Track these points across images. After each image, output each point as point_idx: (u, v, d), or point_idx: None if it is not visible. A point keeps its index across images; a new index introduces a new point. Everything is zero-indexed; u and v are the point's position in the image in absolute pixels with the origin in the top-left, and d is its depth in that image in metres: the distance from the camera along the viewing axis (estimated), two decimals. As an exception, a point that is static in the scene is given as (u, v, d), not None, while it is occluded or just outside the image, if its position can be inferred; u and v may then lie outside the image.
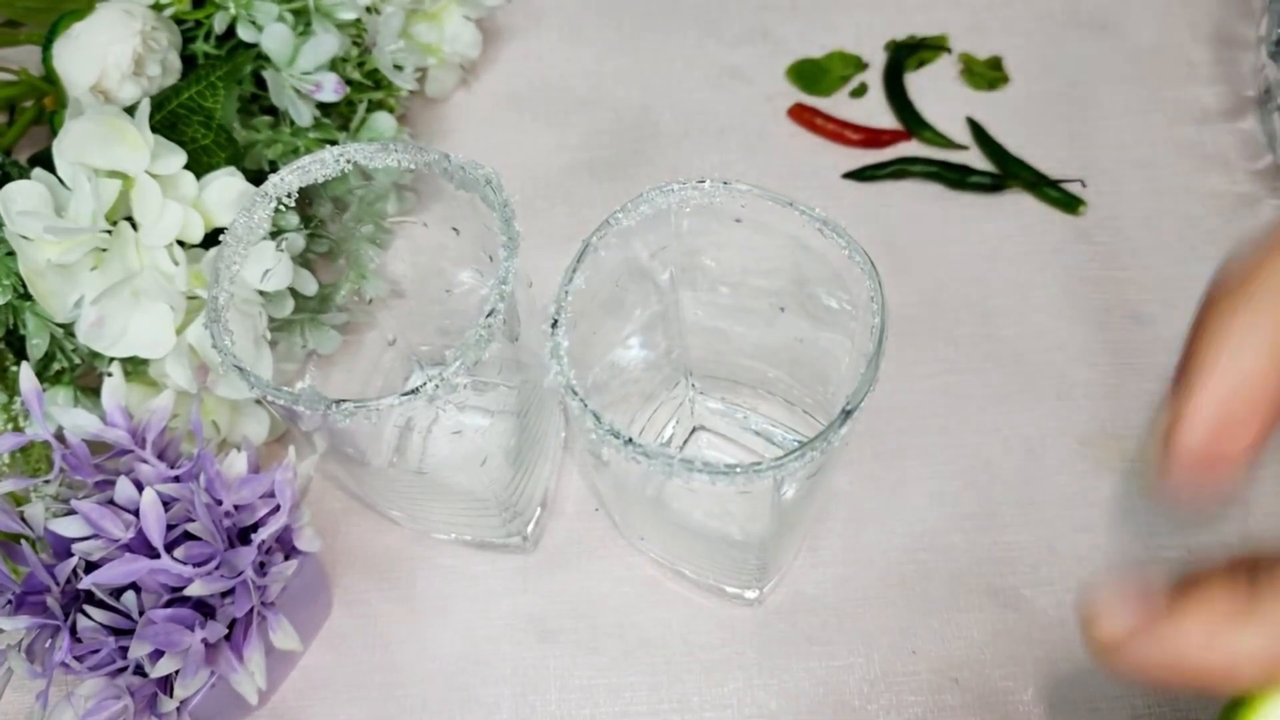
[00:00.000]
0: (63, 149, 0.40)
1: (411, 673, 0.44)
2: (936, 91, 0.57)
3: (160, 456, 0.39)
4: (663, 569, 0.45)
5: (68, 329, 0.42)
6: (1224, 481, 0.26)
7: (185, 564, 0.35)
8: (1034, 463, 0.47)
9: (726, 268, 0.39)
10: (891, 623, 0.44)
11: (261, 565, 0.38)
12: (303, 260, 0.43)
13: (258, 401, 0.45)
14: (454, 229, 0.41)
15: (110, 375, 0.39)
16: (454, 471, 0.40)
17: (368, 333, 0.48)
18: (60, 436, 0.38)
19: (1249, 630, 0.24)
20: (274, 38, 0.47)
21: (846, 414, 0.31)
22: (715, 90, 0.58)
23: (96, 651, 0.36)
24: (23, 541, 0.36)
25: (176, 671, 0.36)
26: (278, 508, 0.38)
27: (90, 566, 0.36)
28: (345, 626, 0.45)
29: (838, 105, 0.57)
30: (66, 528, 0.36)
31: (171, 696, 0.36)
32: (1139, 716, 0.42)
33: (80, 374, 0.44)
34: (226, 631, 0.37)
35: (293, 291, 0.42)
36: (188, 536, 0.37)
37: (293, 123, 0.49)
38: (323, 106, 0.50)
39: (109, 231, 0.40)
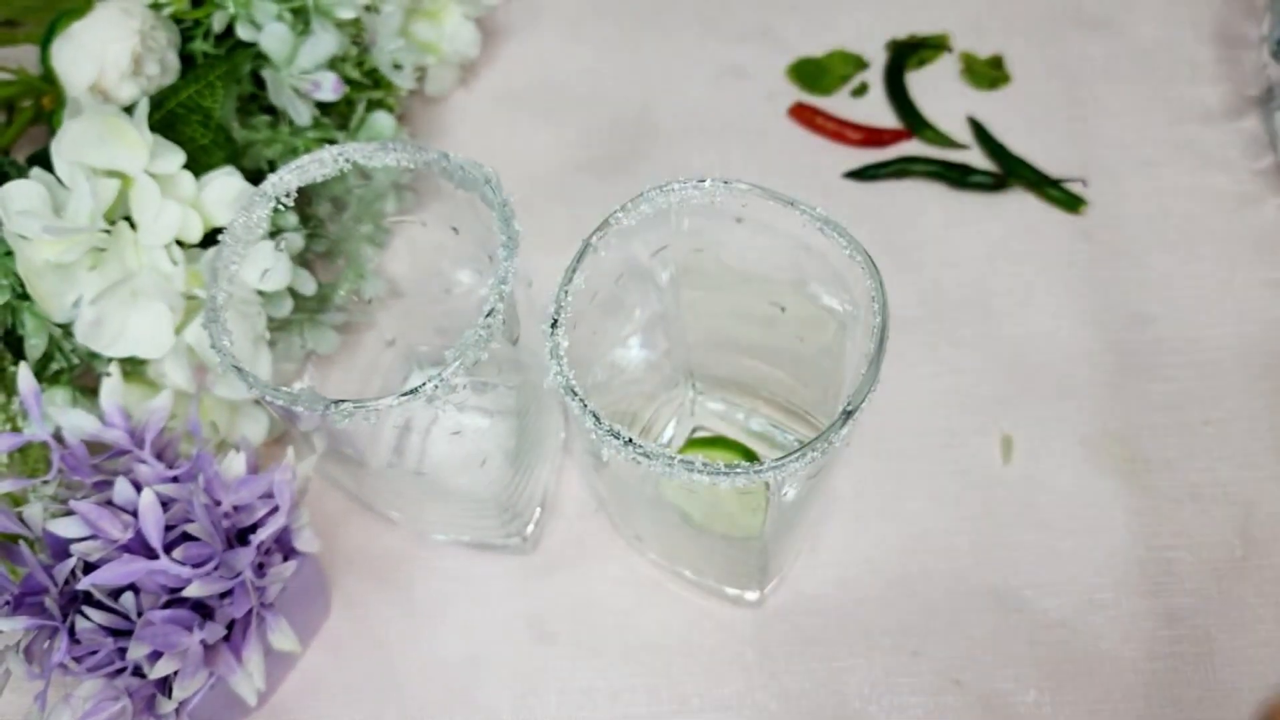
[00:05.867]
0: (61, 148, 0.40)
1: (410, 674, 0.44)
2: (938, 90, 0.57)
3: (159, 457, 0.39)
4: (663, 570, 0.45)
5: (66, 329, 0.42)
6: None
7: (184, 565, 0.35)
8: (1034, 463, 0.47)
9: (726, 268, 0.39)
10: (892, 623, 0.44)
11: (260, 566, 0.38)
12: (301, 260, 0.43)
13: (256, 402, 0.45)
14: (453, 228, 0.41)
15: (108, 375, 0.39)
16: (453, 472, 0.40)
17: (366, 333, 0.48)
18: (58, 437, 0.38)
19: None
20: (273, 37, 0.47)
21: (847, 414, 0.31)
22: (715, 89, 0.58)
23: (95, 653, 0.36)
24: (21, 542, 0.36)
25: (175, 672, 0.36)
26: (276, 508, 0.38)
27: (89, 567, 0.36)
28: (344, 628, 0.45)
29: (838, 104, 0.57)
30: (65, 528, 0.36)
31: (170, 698, 0.36)
32: (1140, 718, 0.42)
33: (78, 374, 0.44)
34: (225, 632, 0.37)
35: (291, 291, 0.42)
36: (186, 537, 0.36)
37: (291, 122, 0.49)
38: (321, 106, 0.50)
39: (107, 231, 0.40)
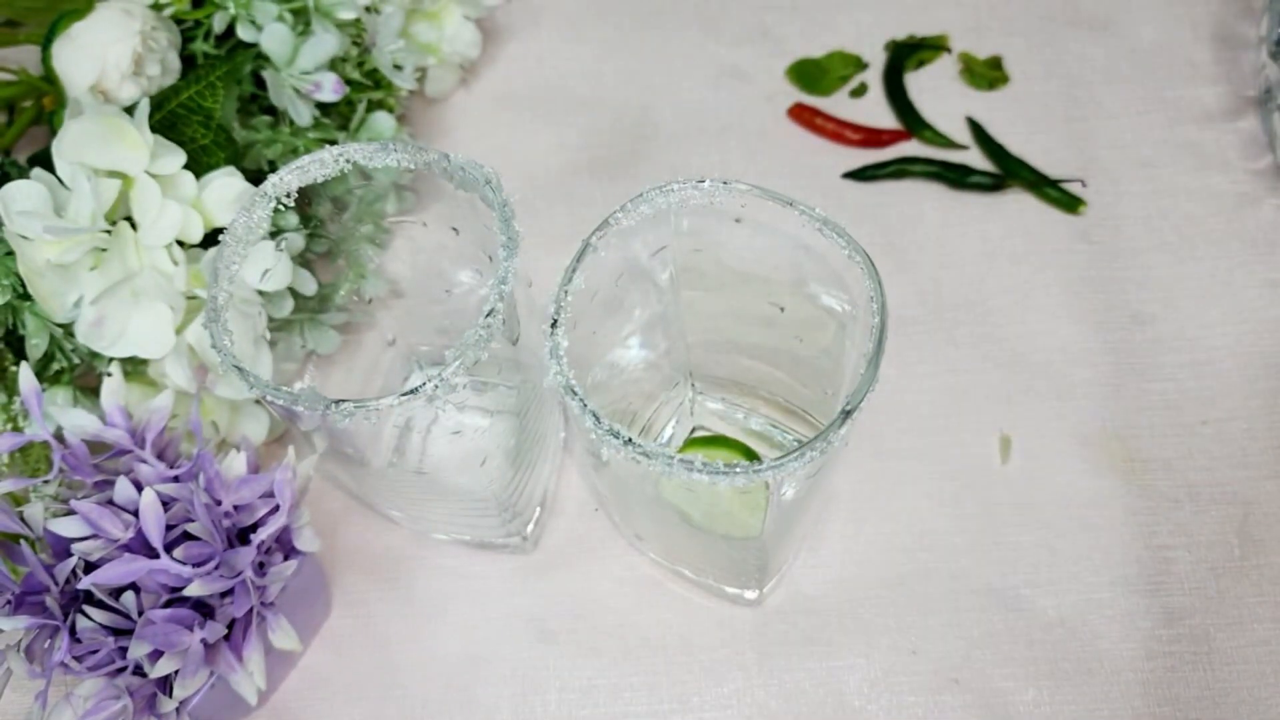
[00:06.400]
0: (62, 149, 0.40)
1: (411, 673, 0.44)
2: (936, 91, 0.57)
3: (160, 456, 0.39)
4: (662, 569, 0.45)
5: (67, 329, 0.42)
6: None
7: (184, 564, 0.35)
8: (1032, 462, 0.47)
9: (726, 268, 0.39)
10: (891, 623, 0.44)
11: (261, 565, 0.38)
12: (302, 260, 0.43)
13: (257, 401, 0.45)
14: (453, 229, 0.41)
15: (109, 375, 0.39)
16: (453, 471, 0.40)
17: (367, 333, 0.48)
18: (59, 436, 0.38)
19: None
20: (273, 37, 0.47)
21: (846, 414, 0.31)
22: (715, 90, 0.58)
23: (96, 652, 0.36)
24: (22, 541, 0.36)
25: (176, 672, 0.36)
26: (277, 508, 0.38)
27: (89, 567, 0.36)
28: (344, 627, 0.45)
29: (838, 105, 0.57)
30: (66, 528, 0.36)
31: (171, 697, 0.36)
32: (1139, 717, 0.42)
33: (80, 374, 0.44)
34: (226, 632, 0.37)
35: (292, 291, 0.42)
36: (187, 537, 0.36)
37: (292, 122, 0.49)
38: (322, 106, 0.50)
39: (108, 231, 0.40)
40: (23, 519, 0.37)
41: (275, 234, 0.39)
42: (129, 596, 0.36)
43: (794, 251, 0.36)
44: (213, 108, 0.45)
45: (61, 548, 0.37)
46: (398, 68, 0.51)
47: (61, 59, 0.46)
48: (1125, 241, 0.52)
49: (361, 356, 0.48)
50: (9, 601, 0.36)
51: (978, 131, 0.55)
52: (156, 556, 0.35)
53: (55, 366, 0.43)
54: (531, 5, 0.61)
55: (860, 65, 0.58)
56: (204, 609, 0.37)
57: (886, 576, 0.45)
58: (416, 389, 0.32)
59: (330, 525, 0.47)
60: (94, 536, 0.36)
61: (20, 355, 0.43)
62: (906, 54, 0.58)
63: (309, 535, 0.40)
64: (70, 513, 0.36)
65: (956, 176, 0.54)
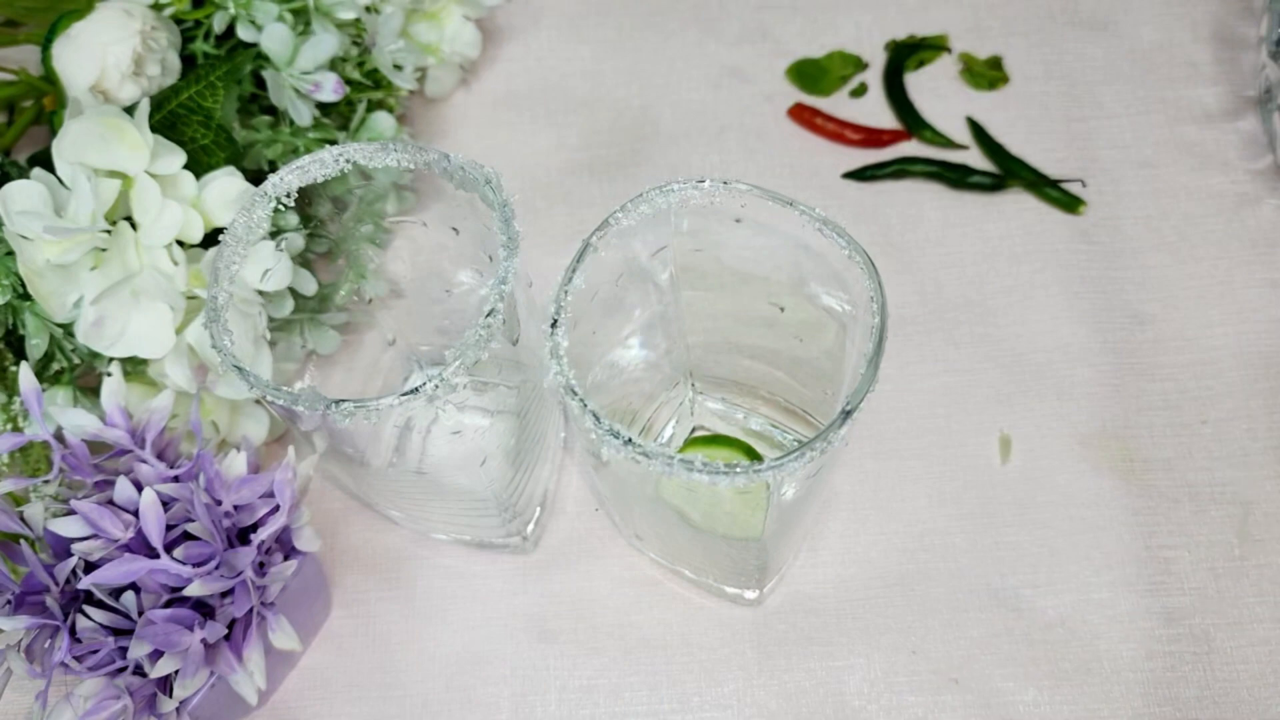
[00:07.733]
0: (62, 149, 0.40)
1: (411, 673, 0.44)
2: (936, 91, 0.57)
3: (160, 456, 0.39)
4: (662, 569, 0.45)
5: (67, 329, 0.42)
6: None
7: (185, 564, 0.35)
8: (1032, 462, 0.47)
9: (726, 268, 0.39)
10: (891, 623, 0.44)
11: (261, 565, 0.38)
12: (302, 260, 0.43)
13: (257, 401, 0.45)
14: (454, 229, 0.41)
15: (110, 375, 0.39)
16: (453, 471, 0.40)
17: (367, 333, 0.48)
18: (60, 436, 0.38)
19: None
20: (273, 37, 0.47)
21: (846, 414, 0.31)
22: (715, 90, 0.58)
23: (96, 652, 0.36)
24: (22, 541, 0.36)
25: (176, 672, 0.36)
26: (277, 508, 0.38)
27: (90, 566, 0.36)
28: (345, 626, 0.45)
29: (838, 105, 0.57)
30: (66, 528, 0.36)
31: (171, 696, 0.36)
32: (1139, 717, 0.42)
33: (80, 374, 0.44)
34: (226, 631, 0.37)
35: (292, 291, 0.42)
36: (187, 536, 0.37)
37: (292, 122, 0.49)
38: (322, 106, 0.50)
39: (108, 231, 0.40)
40: (23, 519, 0.37)
41: (275, 234, 0.39)
42: (129, 596, 0.36)
43: (794, 251, 0.36)
44: (213, 108, 0.45)
45: (61, 548, 0.37)
46: (398, 68, 0.51)
47: (61, 59, 0.46)
48: (1125, 241, 0.52)
49: (361, 356, 0.48)
50: (9, 601, 0.36)
51: (978, 131, 0.55)
52: (156, 556, 0.35)
53: (55, 366, 0.43)
54: (531, 5, 0.61)
55: (860, 65, 0.58)
56: (204, 609, 0.37)
57: (886, 576, 0.45)
58: (416, 389, 0.32)
59: (330, 525, 0.47)
60: (94, 536, 0.36)
61: (20, 355, 0.43)
62: (906, 54, 0.58)
63: (309, 535, 0.40)
64: (70, 513, 0.36)
65: (956, 176, 0.54)
